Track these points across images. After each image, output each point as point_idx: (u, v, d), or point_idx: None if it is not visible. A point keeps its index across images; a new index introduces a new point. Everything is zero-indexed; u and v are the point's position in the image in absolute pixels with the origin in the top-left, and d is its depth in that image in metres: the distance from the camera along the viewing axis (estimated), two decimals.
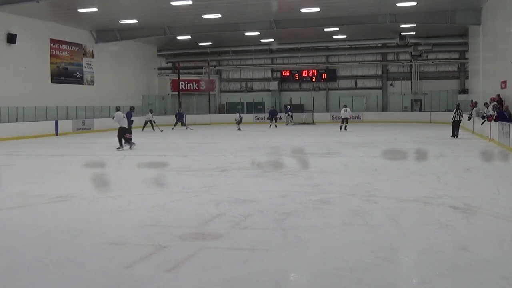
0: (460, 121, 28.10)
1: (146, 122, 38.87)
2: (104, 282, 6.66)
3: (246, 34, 44.11)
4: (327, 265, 7.17)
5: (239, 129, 37.57)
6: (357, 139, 28.11)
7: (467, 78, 44.82)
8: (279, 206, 10.92)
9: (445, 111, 42.11)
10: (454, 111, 28.46)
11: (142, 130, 37.71)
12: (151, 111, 40.33)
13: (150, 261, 7.39)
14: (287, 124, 44.74)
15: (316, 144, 25.73)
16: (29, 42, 37.18)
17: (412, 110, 47.45)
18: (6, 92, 34.36)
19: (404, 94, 48.47)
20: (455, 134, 27.74)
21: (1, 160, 21.31)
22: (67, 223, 10.01)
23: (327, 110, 49.70)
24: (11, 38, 35.40)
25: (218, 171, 16.76)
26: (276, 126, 41.88)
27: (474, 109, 31.45)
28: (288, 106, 48.00)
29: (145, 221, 9.81)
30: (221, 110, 52.59)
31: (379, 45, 47.91)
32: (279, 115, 45.39)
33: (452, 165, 18.00)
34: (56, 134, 36.27)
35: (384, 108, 48.79)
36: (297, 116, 46.65)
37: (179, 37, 46.38)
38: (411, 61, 47.84)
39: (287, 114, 45.96)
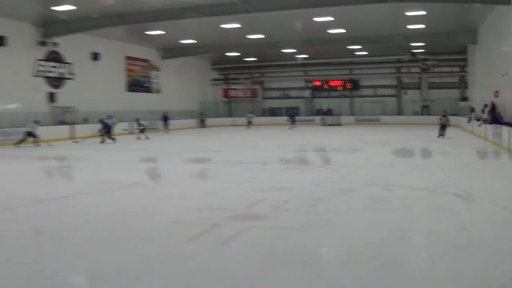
0: (445, 124, 27.86)
1: None
2: (169, 253, 6.69)
3: (284, 51, 44.01)
4: (351, 242, 7.10)
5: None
6: (377, 138, 27.82)
7: (467, 88, 44.27)
8: (312, 193, 10.86)
9: (449, 115, 41.73)
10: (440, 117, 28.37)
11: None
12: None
13: (206, 237, 7.40)
14: (323, 125, 44.87)
15: (342, 143, 25.52)
16: (110, 59, 37.66)
17: (421, 114, 46.95)
18: (92, 99, 35.03)
19: (415, 101, 48.05)
20: (441, 134, 27.43)
21: (89, 154, 21.65)
22: (139, 205, 10.11)
23: (352, 114, 49.46)
24: (96, 56, 35.99)
25: (261, 164, 16.76)
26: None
27: (473, 113, 31.16)
28: (322, 109, 48.36)
29: (201, 205, 9.82)
30: (264, 114, 52.60)
31: (394, 60, 47.48)
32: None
33: (454, 160, 17.68)
34: (132, 132, 36.60)
35: (399, 113, 48.40)
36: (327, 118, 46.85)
37: (229, 54, 46.49)
38: (420, 73, 47.35)
39: (322, 117, 46.29)
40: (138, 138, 30.57)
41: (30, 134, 25.18)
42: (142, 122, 31.79)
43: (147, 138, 30.59)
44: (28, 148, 24.17)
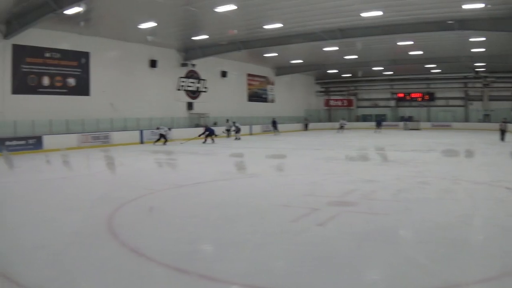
0: (504, 130, 26.44)
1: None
2: (279, 230, 6.86)
3: (373, 68, 43.45)
4: (425, 225, 7.03)
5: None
6: (448, 141, 26.62)
7: None
8: (394, 185, 10.71)
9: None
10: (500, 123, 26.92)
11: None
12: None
13: (308, 218, 7.51)
14: (405, 130, 43.76)
15: (420, 144, 24.67)
16: (235, 76, 38.58)
17: (484, 121, 44.94)
18: (220, 107, 36.10)
19: (478, 110, 46.04)
20: (502, 138, 25.90)
21: (217, 150, 22.33)
22: (255, 191, 10.36)
23: (428, 120, 47.82)
24: (224, 74, 37.03)
25: (353, 160, 16.60)
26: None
27: None
28: (405, 116, 47.31)
29: (304, 192, 9.92)
30: (357, 120, 51.85)
31: (461, 77, 46.06)
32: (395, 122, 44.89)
33: (507, 159, 16.74)
34: (251, 133, 37.33)
35: (466, 120, 46.46)
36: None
37: (329, 71, 46.28)
38: (482, 88, 45.54)
39: (404, 123, 45.22)
40: (236, 139, 30.24)
41: (162, 136, 26.19)
42: (237, 124, 31.54)
43: (238, 139, 30.23)
44: (160, 146, 25.25)
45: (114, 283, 4.90)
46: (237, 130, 31.31)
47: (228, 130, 31.82)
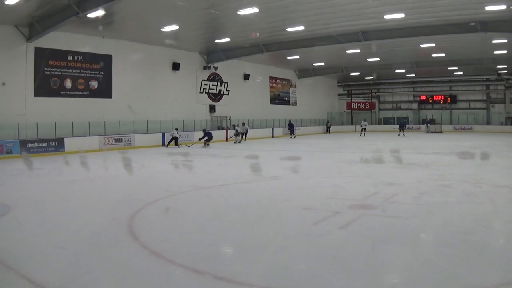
0: None
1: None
2: (300, 232, 6.84)
3: (396, 71, 43.05)
4: (445, 229, 6.95)
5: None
6: (469, 144, 26.26)
7: None
8: (416, 188, 10.57)
9: None
10: None
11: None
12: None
13: (329, 221, 7.45)
14: (427, 132, 43.26)
15: (443, 147, 24.30)
16: (257, 79, 38.60)
17: (506, 124, 44.34)
18: (242, 110, 36.15)
19: (500, 113, 45.33)
20: None
21: (237, 152, 22.32)
22: (276, 193, 10.32)
23: (450, 123, 47.32)
24: (246, 77, 37.08)
25: (376, 163, 16.47)
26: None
27: None
28: (428, 119, 46.83)
29: (326, 195, 9.87)
30: (379, 122, 51.49)
31: (483, 79, 45.63)
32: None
33: None
34: (272, 136, 37.29)
35: (488, 123, 45.83)
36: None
37: (351, 74, 46.04)
38: (505, 90, 44.91)
39: (427, 125, 44.77)
40: (235, 142, 29.55)
41: (174, 138, 26.26)
42: (237, 128, 30.47)
43: (239, 142, 29.56)
44: (173, 148, 25.42)
45: (133, 285, 4.94)
46: (237, 134, 30.09)
47: (243, 133, 31.29)
